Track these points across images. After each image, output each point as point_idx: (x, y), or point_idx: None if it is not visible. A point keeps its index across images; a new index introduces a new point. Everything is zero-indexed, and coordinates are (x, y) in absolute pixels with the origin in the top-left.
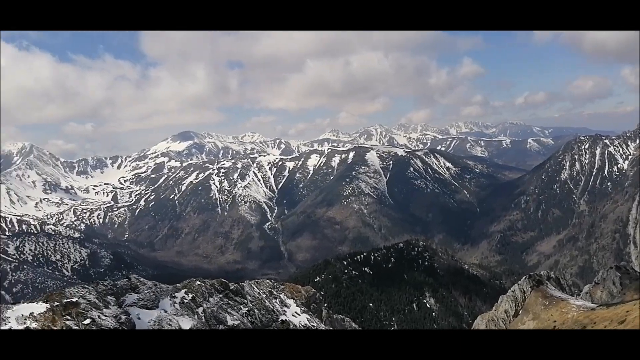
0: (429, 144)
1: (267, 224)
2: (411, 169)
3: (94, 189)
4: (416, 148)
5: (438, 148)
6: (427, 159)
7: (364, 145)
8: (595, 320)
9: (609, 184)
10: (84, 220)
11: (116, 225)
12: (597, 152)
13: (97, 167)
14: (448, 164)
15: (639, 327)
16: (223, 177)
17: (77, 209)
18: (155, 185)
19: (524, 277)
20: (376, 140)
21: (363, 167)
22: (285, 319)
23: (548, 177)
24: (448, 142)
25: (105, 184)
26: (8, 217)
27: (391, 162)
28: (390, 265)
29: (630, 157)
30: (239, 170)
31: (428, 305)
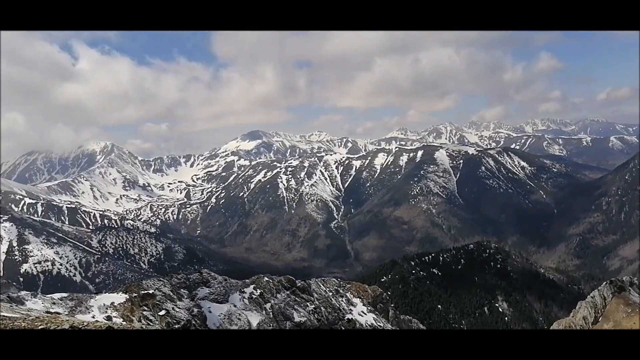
0: (502, 142)
1: (334, 222)
2: (483, 168)
3: (168, 186)
4: (488, 146)
5: (512, 146)
6: (500, 158)
7: (432, 144)
8: None
9: None
10: (159, 216)
11: (189, 222)
12: None
13: (172, 165)
14: (523, 163)
15: None
16: (290, 176)
17: (153, 205)
18: (226, 183)
19: (604, 283)
20: (446, 138)
21: (432, 166)
22: (352, 318)
23: (632, 177)
24: (523, 141)
25: (179, 181)
26: (92, 212)
27: (461, 161)
28: (459, 267)
29: None
30: (306, 169)
31: (500, 310)
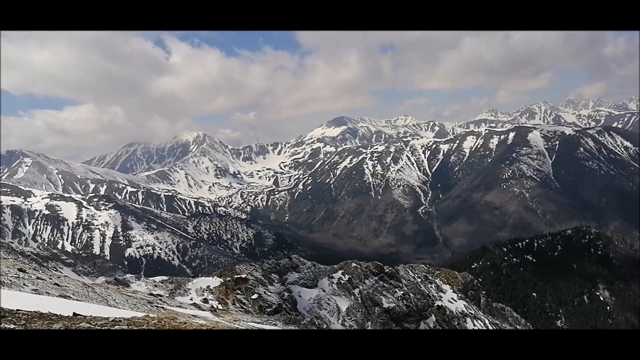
0: (602, 121)
1: (421, 208)
2: (581, 149)
3: (257, 174)
4: (587, 126)
5: (614, 125)
6: (600, 138)
7: (525, 125)
8: None
9: None
10: (249, 203)
11: (277, 208)
12: None
13: (260, 153)
14: (626, 143)
15: None
16: (376, 161)
17: (244, 192)
18: (312, 170)
19: None
20: (540, 119)
21: (525, 148)
22: (441, 305)
23: None
24: (626, 119)
25: (267, 169)
26: (187, 200)
27: (557, 142)
28: (556, 254)
29: None
30: (392, 154)
31: (602, 298)
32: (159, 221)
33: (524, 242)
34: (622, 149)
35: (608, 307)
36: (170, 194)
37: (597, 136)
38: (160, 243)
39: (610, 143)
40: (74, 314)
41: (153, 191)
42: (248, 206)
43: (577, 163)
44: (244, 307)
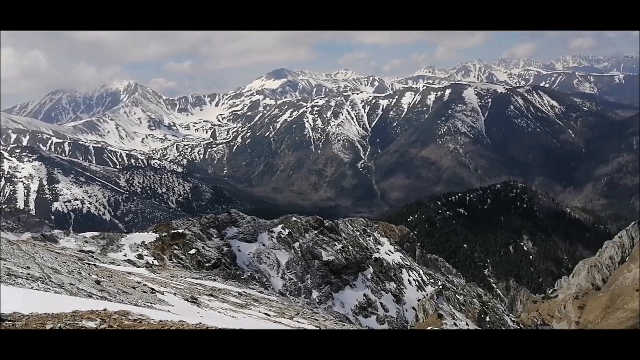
0: (531, 80)
1: (360, 162)
2: (511, 107)
3: (194, 126)
4: (518, 85)
5: (542, 84)
6: (529, 97)
7: (461, 82)
8: None
9: None
10: (185, 156)
11: (215, 161)
12: None
13: (197, 104)
14: (552, 102)
15: None
16: (317, 115)
17: (180, 145)
18: (251, 123)
19: (632, 223)
20: (474, 76)
21: (460, 105)
22: (379, 257)
23: None
24: (553, 78)
25: (204, 121)
26: (118, 152)
27: (490, 99)
28: (486, 207)
29: None
30: (332, 109)
31: (525, 249)
32: (88, 174)
33: (456, 196)
34: (549, 108)
35: (531, 257)
36: (100, 145)
37: (526, 95)
38: (89, 197)
39: (538, 102)
40: None
41: (81, 142)
42: (184, 159)
43: (508, 120)
44: (182, 262)
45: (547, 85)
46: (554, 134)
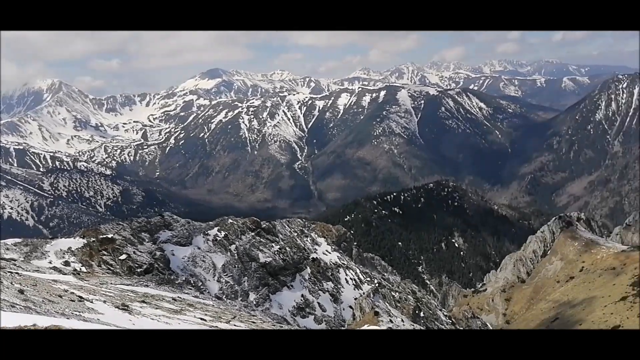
0: (461, 83)
1: (297, 163)
2: (443, 108)
3: (123, 127)
4: (448, 87)
5: (471, 87)
6: (459, 99)
7: (395, 84)
8: (626, 262)
9: None
10: (114, 158)
11: (147, 163)
12: (636, 91)
13: (126, 104)
14: (481, 104)
15: None
16: (252, 116)
17: (108, 146)
18: (185, 124)
19: (553, 218)
20: (407, 79)
21: (394, 107)
22: (316, 257)
23: (582, 117)
24: (481, 82)
25: (134, 121)
26: (42, 154)
27: (422, 101)
28: (419, 206)
29: None
30: (268, 109)
31: (456, 245)
32: (9, 177)
33: (392, 196)
34: (478, 110)
35: (462, 253)
36: (22, 147)
37: (456, 97)
38: (11, 202)
39: (468, 104)
40: None
41: (1, 144)
42: (113, 161)
43: (439, 121)
44: (111, 268)
45: (475, 88)
46: (482, 135)
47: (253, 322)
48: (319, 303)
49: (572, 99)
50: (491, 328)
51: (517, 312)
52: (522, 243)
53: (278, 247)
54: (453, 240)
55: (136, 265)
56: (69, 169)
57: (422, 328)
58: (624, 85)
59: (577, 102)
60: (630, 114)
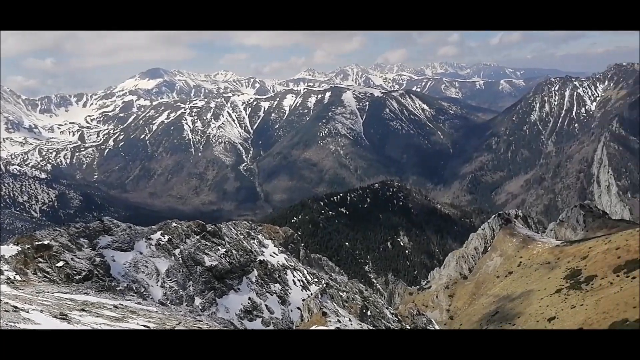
0: (404, 85)
1: (243, 165)
2: (387, 110)
3: (59, 128)
4: (392, 89)
5: (414, 89)
6: (403, 100)
7: (340, 86)
8: (559, 256)
9: (576, 125)
10: (50, 161)
11: (84, 166)
12: (567, 93)
13: (62, 105)
14: (423, 106)
15: (600, 264)
16: (196, 117)
17: (43, 148)
18: (124, 125)
19: (493, 216)
20: (352, 80)
21: (339, 108)
22: (263, 259)
23: (518, 118)
24: (423, 83)
25: (70, 122)
26: None
27: (367, 103)
28: (366, 206)
29: (598, 98)
30: (212, 110)
31: (402, 244)
32: None
33: (338, 196)
34: (420, 111)
35: (407, 251)
36: None
37: (400, 98)
38: None
39: (411, 105)
40: None
41: None
42: (48, 164)
43: (384, 123)
44: (48, 276)
45: (418, 90)
46: (425, 136)
47: (199, 328)
48: (266, 305)
49: (509, 101)
50: (436, 324)
51: (460, 308)
52: (464, 240)
53: (224, 250)
54: (398, 239)
55: (74, 273)
56: (0, 172)
57: (369, 327)
58: (556, 88)
59: (514, 104)
60: (562, 115)
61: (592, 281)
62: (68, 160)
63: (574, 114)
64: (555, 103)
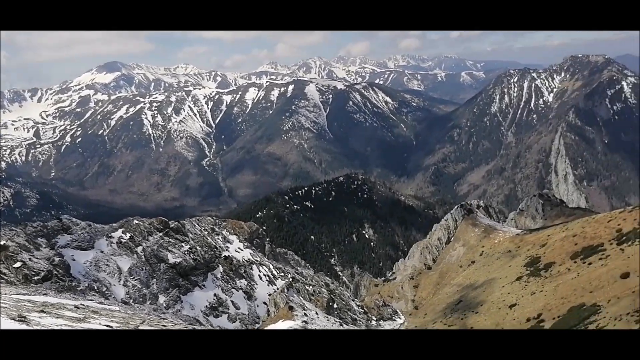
0: (367, 78)
1: (206, 159)
2: (350, 102)
3: (12, 124)
4: (355, 82)
5: (376, 81)
6: (366, 93)
7: (303, 79)
8: (520, 245)
9: (534, 116)
10: (4, 158)
11: (40, 163)
12: (525, 85)
13: (15, 100)
14: (386, 98)
15: (559, 251)
16: (156, 112)
17: None
18: (82, 120)
19: (455, 207)
20: (315, 73)
21: (303, 101)
22: (228, 255)
23: (479, 110)
24: (386, 76)
25: (25, 119)
26: None
27: (331, 95)
28: (330, 199)
29: (555, 89)
30: (173, 104)
31: (367, 236)
32: None
33: (303, 190)
34: (384, 103)
35: (372, 244)
36: None
37: (363, 91)
38: None
39: (374, 97)
40: None
41: None
42: (2, 162)
43: (347, 115)
44: (5, 277)
45: (381, 82)
46: (388, 128)
47: (164, 326)
48: (232, 301)
49: (470, 93)
50: (401, 315)
51: (425, 298)
52: (428, 231)
53: (188, 246)
54: (363, 232)
55: (33, 273)
56: None
57: (336, 320)
58: (515, 80)
59: (474, 96)
60: (521, 106)
61: (551, 268)
62: (23, 158)
63: (532, 105)
64: (515, 94)
